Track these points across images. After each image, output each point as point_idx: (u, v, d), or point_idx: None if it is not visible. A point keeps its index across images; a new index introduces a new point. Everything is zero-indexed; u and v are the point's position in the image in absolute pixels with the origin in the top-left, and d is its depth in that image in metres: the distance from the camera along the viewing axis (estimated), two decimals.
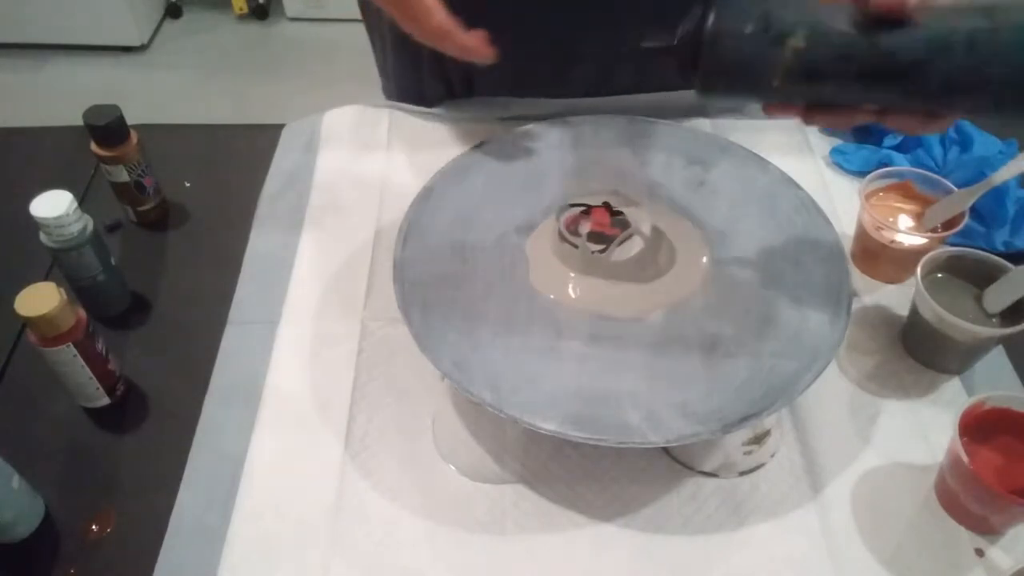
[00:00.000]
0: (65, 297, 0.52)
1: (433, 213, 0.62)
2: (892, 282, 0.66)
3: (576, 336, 0.56)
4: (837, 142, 0.78)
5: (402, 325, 0.53)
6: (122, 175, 0.68)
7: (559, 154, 0.69)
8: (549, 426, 0.49)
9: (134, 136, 0.67)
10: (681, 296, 0.59)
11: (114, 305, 0.65)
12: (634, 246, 0.61)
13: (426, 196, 0.63)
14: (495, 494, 0.53)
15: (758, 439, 0.55)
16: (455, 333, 0.55)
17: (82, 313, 0.54)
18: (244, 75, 2.31)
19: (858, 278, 0.67)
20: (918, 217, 0.65)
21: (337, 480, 0.54)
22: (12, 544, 0.51)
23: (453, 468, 0.54)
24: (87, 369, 0.55)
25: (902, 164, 0.72)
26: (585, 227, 0.62)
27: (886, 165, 0.72)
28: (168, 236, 0.72)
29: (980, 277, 0.58)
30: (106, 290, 0.63)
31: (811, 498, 0.53)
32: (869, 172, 0.66)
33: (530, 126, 0.70)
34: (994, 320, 0.57)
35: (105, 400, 0.58)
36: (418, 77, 0.79)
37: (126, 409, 0.59)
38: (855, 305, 0.62)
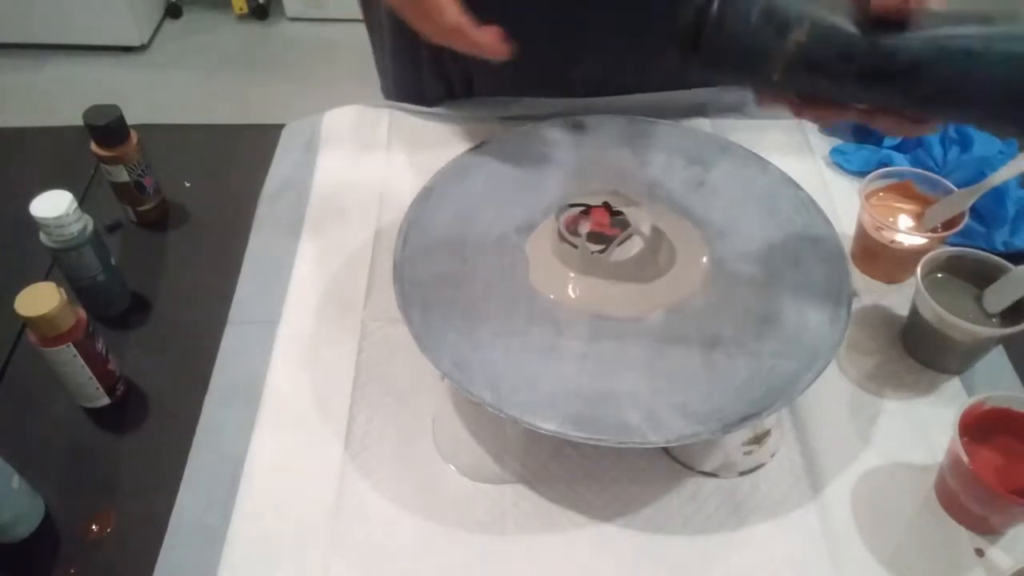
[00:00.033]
0: (65, 297, 0.52)
1: (433, 213, 0.62)
2: (892, 282, 0.66)
3: (576, 336, 0.56)
4: (837, 142, 0.78)
5: (402, 325, 0.53)
6: (122, 175, 0.68)
7: (559, 154, 0.69)
8: (549, 426, 0.49)
9: (134, 136, 0.67)
10: (681, 296, 0.59)
11: (114, 305, 0.65)
12: (634, 246, 0.61)
13: (426, 196, 0.63)
14: (495, 494, 0.53)
15: (758, 439, 0.55)
16: (455, 333, 0.55)
17: (82, 313, 0.54)
18: (244, 75, 2.30)
19: (858, 278, 0.67)
20: (918, 217, 0.65)
21: (337, 480, 0.54)
22: (12, 544, 0.51)
23: (453, 468, 0.54)
24: (87, 369, 0.55)
25: (902, 164, 0.72)
26: (585, 227, 0.62)
27: (886, 165, 0.72)
28: (168, 236, 0.72)
29: (980, 277, 0.58)
30: (106, 290, 0.63)
31: (811, 498, 0.53)
32: (869, 172, 0.66)
33: (530, 126, 0.70)
34: (994, 320, 0.57)
35: (105, 400, 0.58)
36: (418, 77, 0.79)
37: (126, 409, 0.59)
38: (855, 305, 0.62)
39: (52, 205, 0.57)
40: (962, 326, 0.55)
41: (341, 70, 1.83)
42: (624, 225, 0.62)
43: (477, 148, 0.68)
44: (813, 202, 0.63)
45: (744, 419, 0.49)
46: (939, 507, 0.53)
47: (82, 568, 0.51)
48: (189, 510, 0.52)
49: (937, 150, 0.72)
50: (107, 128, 0.65)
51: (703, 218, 0.65)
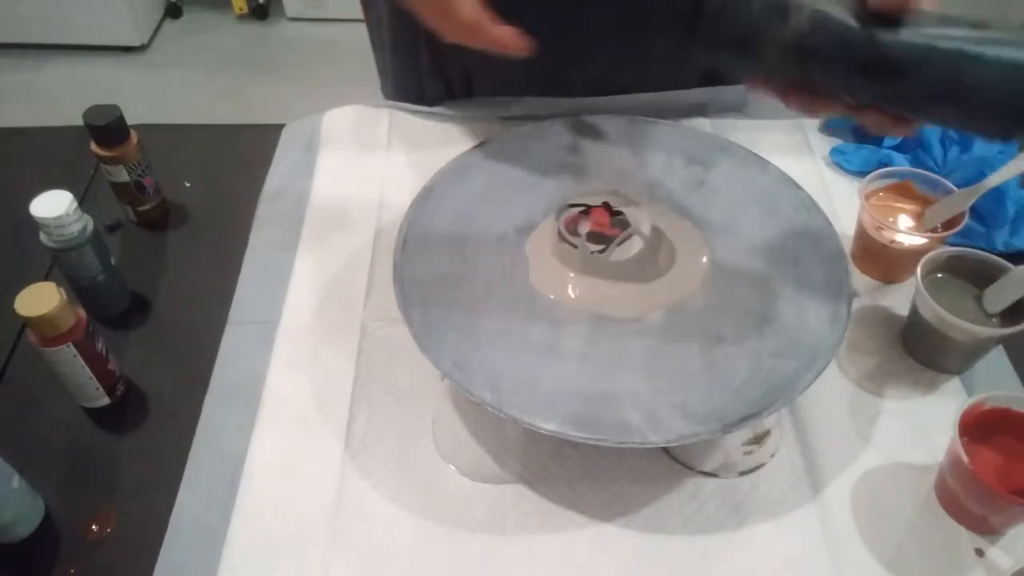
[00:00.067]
0: (65, 297, 0.52)
1: (433, 213, 0.62)
2: (892, 282, 0.66)
3: (576, 336, 0.56)
4: (837, 142, 0.78)
5: (402, 325, 0.53)
6: (122, 175, 0.68)
7: (559, 154, 0.69)
8: (549, 426, 0.49)
9: (134, 136, 0.67)
10: (681, 296, 0.59)
11: (114, 305, 0.65)
12: (634, 246, 0.61)
13: (426, 196, 0.63)
14: (495, 494, 0.53)
15: (758, 439, 0.55)
16: (455, 333, 0.55)
17: (82, 313, 0.54)
18: (244, 75, 2.31)
19: (858, 278, 0.67)
20: (918, 217, 0.65)
21: (337, 480, 0.54)
22: (12, 544, 0.51)
23: (453, 468, 0.54)
24: (87, 369, 0.55)
25: (902, 164, 0.72)
26: (585, 227, 0.62)
27: (886, 165, 0.72)
28: (168, 236, 0.72)
29: (980, 277, 0.58)
30: (106, 290, 0.63)
31: (811, 498, 0.53)
32: (869, 172, 0.66)
33: (530, 126, 0.70)
34: (994, 320, 0.57)
35: (105, 400, 0.58)
36: (418, 77, 0.79)
37: (126, 409, 0.59)
38: (855, 305, 0.62)
39: (52, 205, 0.57)
40: (962, 326, 0.55)
41: (341, 70, 1.83)
42: (624, 225, 0.62)
43: (477, 148, 0.68)
44: (813, 202, 0.63)
45: (744, 419, 0.49)
46: (939, 507, 0.53)
47: (82, 568, 0.51)
48: (189, 510, 0.52)
49: (937, 150, 0.72)
50: (107, 128, 0.65)
51: (703, 218, 0.65)
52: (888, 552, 0.51)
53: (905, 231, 0.63)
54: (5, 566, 0.51)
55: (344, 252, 0.68)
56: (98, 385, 0.56)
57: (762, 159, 0.67)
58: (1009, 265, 0.57)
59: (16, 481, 0.50)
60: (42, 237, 0.59)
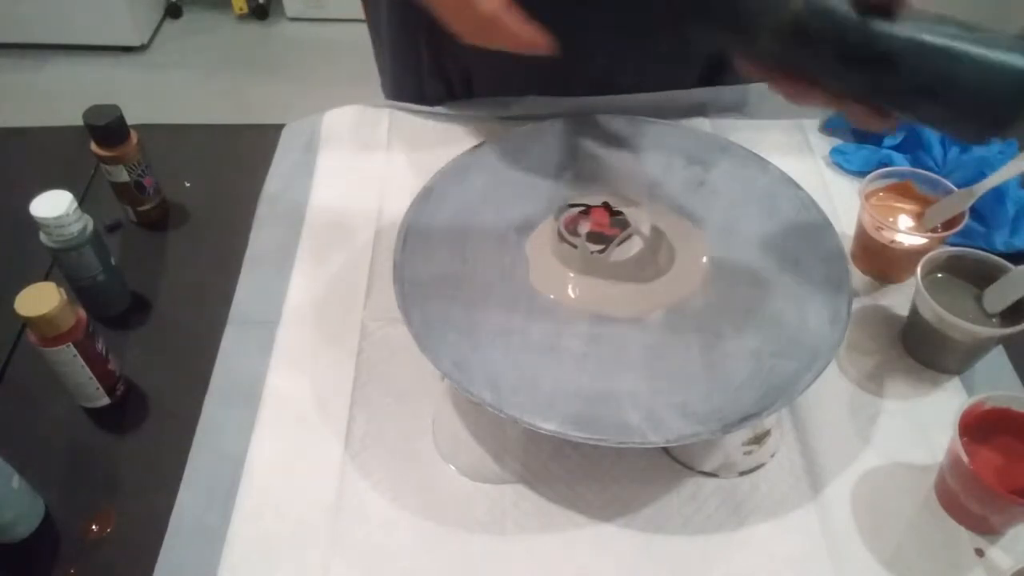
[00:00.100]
0: (65, 297, 0.52)
1: (433, 213, 0.62)
2: (892, 282, 0.66)
3: (576, 336, 0.56)
4: (837, 142, 0.78)
5: (402, 325, 0.53)
6: (122, 175, 0.68)
7: (559, 154, 0.69)
8: (549, 426, 0.49)
9: (134, 136, 0.67)
10: (681, 296, 0.59)
11: (114, 305, 0.65)
12: (633, 246, 0.61)
13: (426, 196, 0.63)
14: (495, 494, 0.53)
15: (758, 439, 0.55)
16: (455, 333, 0.55)
17: (82, 313, 0.54)
18: (244, 75, 2.31)
19: (858, 278, 0.67)
20: (918, 217, 0.65)
21: (337, 480, 0.54)
22: (12, 544, 0.51)
23: (453, 468, 0.54)
24: (87, 369, 0.55)
25: (902, 164, 0.72)
26: (584, 227, 0.62)
27: (886, 165, 0.72)
28: (168, 236, 0.72)
29: (980, 277, 0.58)
30: (106, 290, 0.63)
31: (811, 498, 0.53)
32: (869, 172, 0.66)
33: (530, 126, 0.70)
34: (994, 320, 0.57)
35: (105, 400, 0.57)
36: (418, 77, 0.79)
37: (126, 409, 0.59)
38: (855, 305, 0.62)
39: (52, 205, 0.57)
40: (962, 326, 0.55)
41: (341, 70, 1.83)
42: (624, 225, 0.62)
43: (477, 148, 0.68)
44: (813, 202, 0.63)
45: (744, 419, 0.49)
46: (939, 507, 0.53)
47: (82, 568, 0.51)
48: (189, 510, 0.52)
49: (937, 150, 0.72)
50: (107, 128, 0.65)
51: (703, 218, 0.65)
52: (888, 552, 0.51)
53: (905, 231, 0.63)
54: (5, 566, 0.51)
55: (344, 252, 0.68)
56: (98, 385, 0.56)
57: (762, 159, 0.67)
58: (1009, 265, 0.57)
59: (16, 481, 0.50)
60: (42, 237, 0.59)
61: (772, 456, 0.55)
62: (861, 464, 0.55)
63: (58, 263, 0.61)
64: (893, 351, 0.62)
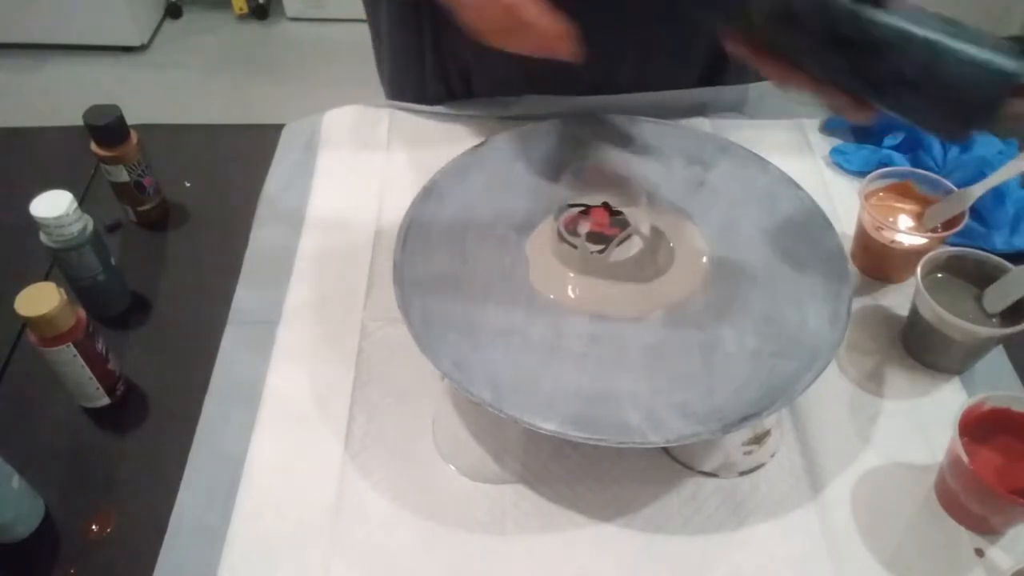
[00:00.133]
0: (65, 297, 0.52)
1: (433, 213, 0.62)
2: (892, 282, 0.66)
3: (576, 336, 0.56)
4: (837, 142, 0.78)
5: (402, 325, 0.53)
6: (122, 175, 0.68)
7: (559, 154, 0.69)
8: (549, 426, 0.49)
9: (134, 136, 0.67)
10: (681, 296, 0.59)
11: (114, 305, 0.65)
12: (633, 246, 0.61)
13: (426, 196, 0.63)
14: (495, 494, 0.53)
15: (758, 439, 0.55)
16: (455, 333, 0.55)
17: (82, 313, 0.54)
18: (244, 75, 2.30)
19: (858, 278, 0.67)
20: (918, 217, 0.65)
21: (337, 480, 0.54)
22: (12, 544, 0.51)
23: (453, 468, 0.54)
24: (87, 369, 0.55)
25: (902, 164, 0.72)
26: (584, 227, 0.62)
27: (886, 165, 0.72)
28: (168, 236, 0.72)
29: (980, 277, 0.58)
30: (106, 290, 0.63)
31: (811, 498, 0.53)
32: (869, 172, 0.66)
33: (530, 126, 0.70)
34: (994, 320, 0.57)
35: (105, 400, 0.57)
36: (419, 77, 0.79)
37: (126, 409, 0.59)
38: (855, 305, 0.62)
39: (52, 205, 0.57)
40: (962, 326, 0.55)
41: (341, 70, 1.83)
42: (623, 225, 0.62)
43: (477, 148, 0.68)
44: (813, 202, 0.63)
45: (744, 419, 0.49)
46: (939, 507, 0.53)
47: (82, 568, 0.51)
48: (189, 510, 0.52)
49: (937, 150, 0.72)
50: (107, 128, 0.65)
51: (703, 218, 0.65)
52: (888, 552, 0.51)
53: (905, 231, 0.63)
54: (5, 566, 0.51)
55: (344, 252, 0.68)
56: (98, 385, 0.56)
57: (762, 159, 0.67)
58: (1009, 265, 0.57)
59: (16, 481, 0.50)
60: (42, 237, 0.59)
61: (772, 456, 0.55)
62: (861, 464, 0.55)
63: (58, 263, 0.61)
64: (893, 351, 0.61)
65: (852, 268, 0.66)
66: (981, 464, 0.51)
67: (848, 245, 0.67)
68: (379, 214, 0.71)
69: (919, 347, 0.60)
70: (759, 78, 0.81)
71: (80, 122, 0.66)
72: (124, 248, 0.70)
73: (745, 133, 0.75)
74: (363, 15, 0.81)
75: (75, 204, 0.58)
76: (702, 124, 0.78)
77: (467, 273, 0.60)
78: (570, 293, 0.59)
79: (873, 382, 0.60)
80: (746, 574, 0.50)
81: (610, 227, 0.62)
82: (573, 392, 0.52)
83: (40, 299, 0.51)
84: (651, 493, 0.53)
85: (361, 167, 0.75)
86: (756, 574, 0.50)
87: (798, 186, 0.64)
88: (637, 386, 0.53)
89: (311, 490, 0.53)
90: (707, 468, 0.54)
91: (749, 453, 0.55)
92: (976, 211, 0.67)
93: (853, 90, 0.49)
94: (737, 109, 0.80)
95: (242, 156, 0.78)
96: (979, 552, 0.51)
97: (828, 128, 0.79)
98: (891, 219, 0.64)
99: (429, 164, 0.66)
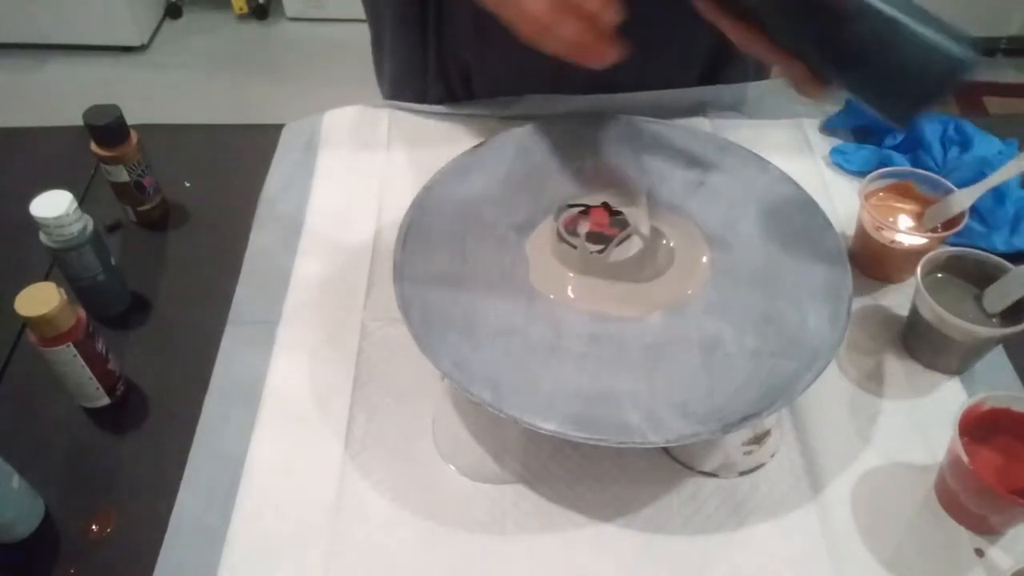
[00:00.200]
0: (65, 297, 0.52)
1: (433, 213, 0.62)
2: (892, 282, 0.66)
3: (576, 336, 0.56)
4: (837, 142, 0.78)
5: (402, 325, 0.53)
6: (122, 175, 0.68)
7: (559, 154, 0.69)
8: (549, 426, 0.49)
9: (134, 136, 0.67)
10: (681, 296, 0.59)
11: (114, 305, 0.65)
12: (633, 246, 0.61)
13: (426, 196, 0.63)
14: (495, 494, 0.53)
15: (758, 439, 0.55)
16: (455, 333, 0.55)
17: (82, 313, 0.54)
18: (244, 75, 2.31)
19: (858, 278, 0.66)
20: (918, 217, 0.65)
21: (337, 480, 0.54)
22: (12, 544, 0.51)
23: (453, 468, 0.54)
24: (87, 369, 0.55)
25: (902, 164, 0.72)
26: (584, 227, 0.62)
27: (886, 165, 0.72)
28: (168, 236, 0.72)
29: (980, 277, 0.58)
30: (106, 290, 0.63)
31: (811, 498, 0.53)
32: (869, 172, 0.66)
33: (530, 126, 0.70)
34: (994, 320, 0.57)
35: (105, 400, 0.57)
36: (419, 77, 0.79)
37: (126, 409, 0.59)
38: (855, 305, 0.62)
39: (52, 205, 0.57)
40: (962, 326, 0.55)
41: (341, 70, 1.83)
42: (623, 225, 0.62)
43: (477, 148, 0.68)
44: (813, 202, 0.63)
45: (744, 419, 0.49)
46: (939, 507, 0.53)
47: (82, 568, 0.51)
48: (189, 510, 0.52)
49: (937, 150, 0.72)
50: (107, 128, 0.65)
51: (703, 218, 0.65)
52: (888, 552, 0.51)
53: (905, 231, 0.63)
54: (5, 566, 0.51)
55: (344, 252, 0.68)
56: (98, 385, 0.56)
57: (762, 159, 0.67)
58: (1009, 265, 0.57)
59: (16, 481, 0.50)
60: (42, 237, 0.59)
61: (772, 456, 0.55)
62: (861, 464, 0.55)
63: (58, 263, 0.61)
64: (893, 351, 0.62)
65: (852, 268, 0.66)
66: (981, 464, 0.51)
67: (848, 245, 0.67)
68: (379, 214, 0.71)
69: (919, 347, 0.60)
70: (759, 77, 0.81)
71: (80, 122, 0.66)
72: (124, 248, 0.70)
73: (745, 133, 0.75)
74: (363, 15, 0.81)
75: (75, 204, 0.58)
76: (702, 124, 0.78)
77: (467, 273, 0.60)
78: (570, 293, 0.59)
79: (873, 382, 0.60)
80: (746, 574, 0.50)
81: (610, 227, 0.62)
82: (573, 392, 0.52)
83: (40, 299, 0.51)
84: (651, 493, 0.53)
85: (361, 167, 0.75)
86: (756, 574, 0.50)
87: (798, 186, 0.64)
88: (637, 386, 0.53)
89: (311, 490, 0.53)
90: (707, 468, 0.54)
91: (749, 453, 0.55)
92: (976, 211, 0.67)
93: (811, 62, 0.50)
94: (737, 109, 0.80)
95: (242, 156, 0.78)
96: (979, 552, 0.51)
97: (828, 128, 0.79)
98: (891, 219, 0.64)
99: (429, 164, 0.66)
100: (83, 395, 0.57)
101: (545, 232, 0.63)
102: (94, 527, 0.52)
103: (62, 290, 0.52)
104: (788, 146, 0.77)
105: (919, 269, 0.57)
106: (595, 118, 0.71)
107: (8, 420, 0.58)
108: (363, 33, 0.83)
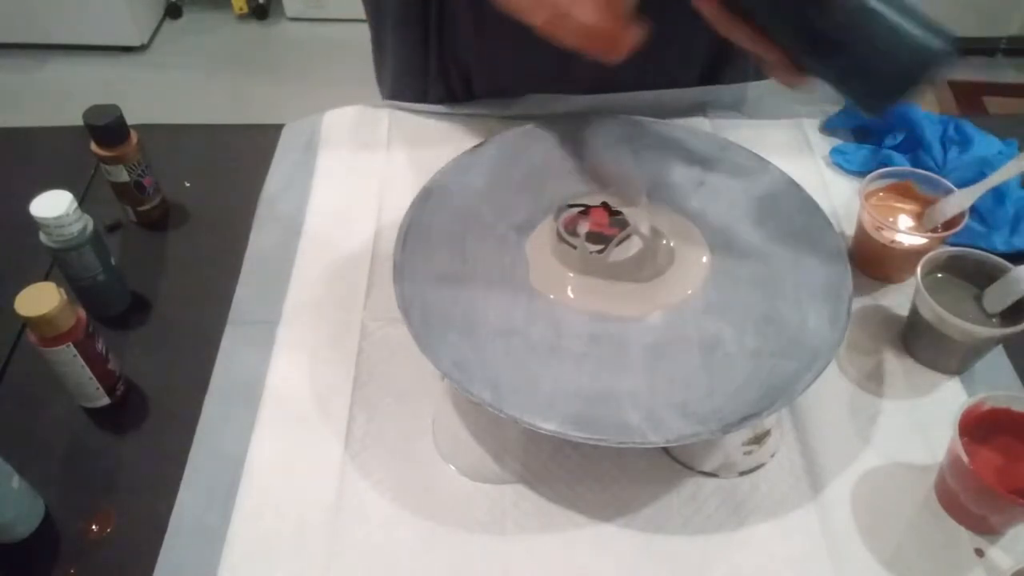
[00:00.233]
0: (65, 297, 0.52)
1: (433, 213, 0.62)
2: (892, 282, 0.66)
3: (576, 336, 0.56)
4: (837, 142, 0.78)
5: (402, 325, 0.53)
6: (122, 175, 0.68)
7: (559, 154, 0.69)
8: (549, 426, 0.49)
9: (134, 136, 0.67)
10: (681, 296, 0.59)
11: (114, 305, 0.65)
12: (632, 246, 0.61)
13: (426, 196, 0.63)
14: (495, 494, 0.53)
15: (758, 439, 0.55)
16: (455, 333, 0.55)
17: (82, 313, 0.54)
18: (244, 75, 2.31)
19: (858, 278, 0.66)
20: (918, 217, 0.65)
21: (337, 480, 0.54)
22: (12, 544, 0.51)
23: (453, 468, 0.54)
24: (87, 369, 0.55)
25: (902, 164, 0.72)
26: (584, 227, 0.62)
27: (886, 165, 0.72)
28: (168, 236, 0.72)
29: (980, 277, 0.58)
30: (106, 290, 0.63)
31: (811, 498, 0.53)
32: (869, 172, 0.66)
33: (530, 126, 0.70)
34: (994, 320, 0.57)
35: (105, 400, 0.57)
36: (420, 77, 0.79)
37: (126, 409, 0.59)
38: (855, 305, 0.62)
39: (52, 205, 0.57)
40: (962, 326, 0.55)
41: (341, 70, 1.83)
42: (623, 225, 0.62)
43: (477, 148, 0.68)
44: (813, 202, 0.63)
45: (744, 419, 0.49)
46: (939, 507, 0.53)
47: (82, 568, 0.51)
48: (189, 510, 0.52)
49: (937, 150, 0.72)
50: (107, 128, 0.65)
51: (703, 218, 0.65)
52: (888, 552, 0.51)
53: (905, 231, 0.63)
54: (5, 566, 0.51)
55: (344, 252, 0.68)
56: (98, 385, 0.56)
57: (762, 159, 0.67)
58: (1009, 265, 0.57)
59: (16, 481, 0.50)
60: (42, 237, 0.59)
61: (772, 456, 0.55)
62: (861, 464, 0.55)
63: (58, 263, 0.61)
64: (893, 351, 0.62)
65: (852, 268, 0.66)
66: (981, 464, 0.51)
67: (848, 245, 0.67)
68: (379, 214, 0.71)
69: (919, 347, 0.60)
70: (759, 77, 0.81)
71: (80, 122, 0.66)
72: (124, 248, 0.70)
73: (745, 133, 0.75)
74: (363, 15, 0.81)
75: (75, 204, 0.58)
76: (702, 124, 0.78)
77: (467, 273, 0.60)
78: (570, 293, 0.59)
79: (873, 382, 0.60)
80: (746, 574, 0.50)
81: (609, 227, 0.62)
82: (573, 392, 0.52)
83: (40, 299, 0.51)
84: (651, 493, 0.53)
85: (361, 167, 0.75)
86: (756, 574, 0.50)
87: (798, 186, 0.64)
88: (637, 386, 0.53)
89: (311, 490, 0.53)
90: (707, 468, 0.54)
91: (749, 453, 0.55)
92: (976, 211, 0.67)
93: (790, 49, 0.50)
94: (737, 108, 0.80)
95: (242, 156, 0.78)
96: (979, 552, 0.51)
97: (828, 128, 0.79)
98: (891, 219, 0.64)
99: (429, 164, 0.66)
100: (83, 395, 0.57)
101: (545, 232, 0.63)
102: (94, 527, 0.52)
103: (62, 290, 0.52)
104: (788, 146, 0.77)
105: (919, 269, 0.58)
106: (595, 118, 0.71)
107: (8, 420, 0.58)
108: (363, 33, 0.83)
